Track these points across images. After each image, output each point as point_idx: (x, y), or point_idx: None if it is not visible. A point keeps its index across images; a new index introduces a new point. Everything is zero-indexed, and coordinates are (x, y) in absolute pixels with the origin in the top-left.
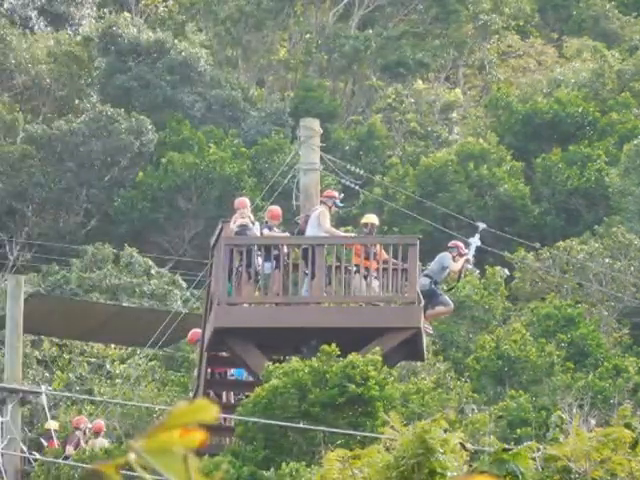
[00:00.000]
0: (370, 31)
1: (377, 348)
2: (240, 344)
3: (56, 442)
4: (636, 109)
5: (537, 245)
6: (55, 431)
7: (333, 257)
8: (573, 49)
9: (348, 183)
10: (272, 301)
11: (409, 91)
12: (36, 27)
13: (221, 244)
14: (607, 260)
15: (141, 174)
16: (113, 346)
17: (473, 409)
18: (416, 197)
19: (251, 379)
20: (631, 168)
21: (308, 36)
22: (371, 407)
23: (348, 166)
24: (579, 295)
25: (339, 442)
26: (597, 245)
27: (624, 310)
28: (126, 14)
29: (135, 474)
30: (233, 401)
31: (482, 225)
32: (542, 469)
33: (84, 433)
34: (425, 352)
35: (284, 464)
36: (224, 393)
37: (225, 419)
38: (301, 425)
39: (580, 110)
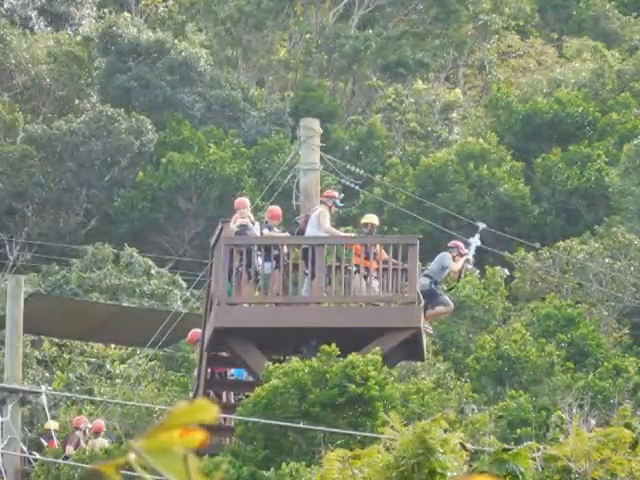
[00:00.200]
0: (370, 31)
1: (377, 348)
2: (240, 344)
3: (56, 442)
4: (636, 109)
5: (537, 245)
6: (55, 431)
7: (333, 257)
8: (573, 49)
9: (348, 183)
10: (272, 301)
11: (409, 91)
12: (36, 27)
13: (221, 244)
14: (607, 260)
15: (141, 174)
16: (113, 346)
17: (473, 409)
18: (416, 197)
19: (251, 379)
20: (631, 168)
21: (308, 36)
22: (371, 407)
23: (348, 166)
24: (579, 295)
25: (339, 442)
26: (597, 245)
27: (624, 310)
28: (126, 14)
29: (135, 474)
30: (233, 401)
31: (482, 225)
32: (542, 469)
33: (84, 433)
34: (425, 352)
35: (284, 464)
36: (224, 393)
37: (225, 419)
38: (301, 425)
39: (580, 110)
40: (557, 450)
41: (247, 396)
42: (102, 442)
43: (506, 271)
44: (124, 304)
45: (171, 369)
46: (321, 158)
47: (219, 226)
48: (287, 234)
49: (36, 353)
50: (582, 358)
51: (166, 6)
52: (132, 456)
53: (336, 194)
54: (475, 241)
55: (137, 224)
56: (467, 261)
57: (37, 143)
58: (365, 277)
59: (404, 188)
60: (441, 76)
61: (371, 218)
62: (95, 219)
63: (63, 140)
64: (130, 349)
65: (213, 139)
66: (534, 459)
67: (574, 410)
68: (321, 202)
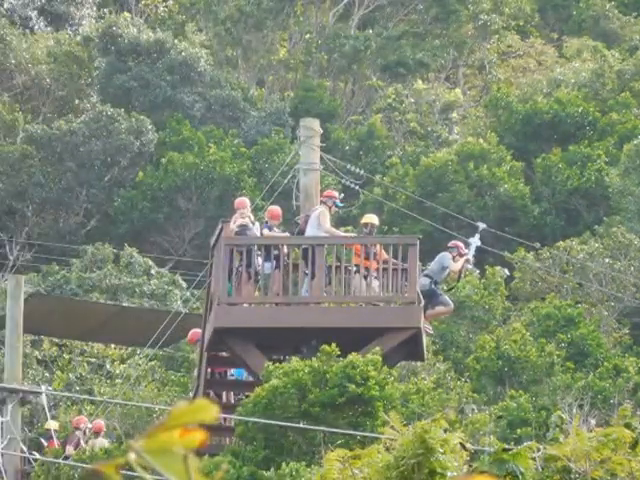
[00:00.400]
0: (370, 31)
1: (377, 348)
2: (240, 344)
3: (56, 442)
4: (636, 109)
5: (537, 245)
6: (55, 431)
7: (333, 257)
8: (573, 49)
9: (348, 183)
10: (272, 301)
11: (409, 91)
12: (36, 27)
13: (221, 244)
14: (607, 260)
15: (141, 174)
16: (113, 346)
17: (473, 409)
18: (416, 197)
19: (251, 379)
20: (631, 168)
21: (308, 36)
22: (371, 407)
23: (348, 166)
24: (579, 295)
25: (339, 442)
26: (597, 245)
27: (624, 310)
28: (126, 14)
29: (135, 474)
30: (233, 401)
31: (482, 225)
32: (542, 469)
33: (84, 433)
34: (425, 352)
35: (284, 464)
36: (224, 393)
37: (225, 419)
38: (301, 425)
39: (580, 110)
40: (557, 450)
41: (247, 396)
42: (102, 442)
43: (506, 271)
44: (124, 304)
45: (171, 369)
46: (321, 158)
47: (219, 226)
48: (287, 234)
49: (36, 353)
50: (582, 358)
51: (166, 6)
52: (132, 456)
53: (336, 194)
54: (475, 241)
55: (137, 224)
56: (467, 261)
57: (37, 143)
58: (365, 277)
59: (404, 188)
60: (441, 76)
61: (371, 218)
62: (95, 219)
63: (63, 140)
64: (130, 349)
65: (213, 139)
66: (534, 459)
67: (574, 410)
68: (321, 202)
